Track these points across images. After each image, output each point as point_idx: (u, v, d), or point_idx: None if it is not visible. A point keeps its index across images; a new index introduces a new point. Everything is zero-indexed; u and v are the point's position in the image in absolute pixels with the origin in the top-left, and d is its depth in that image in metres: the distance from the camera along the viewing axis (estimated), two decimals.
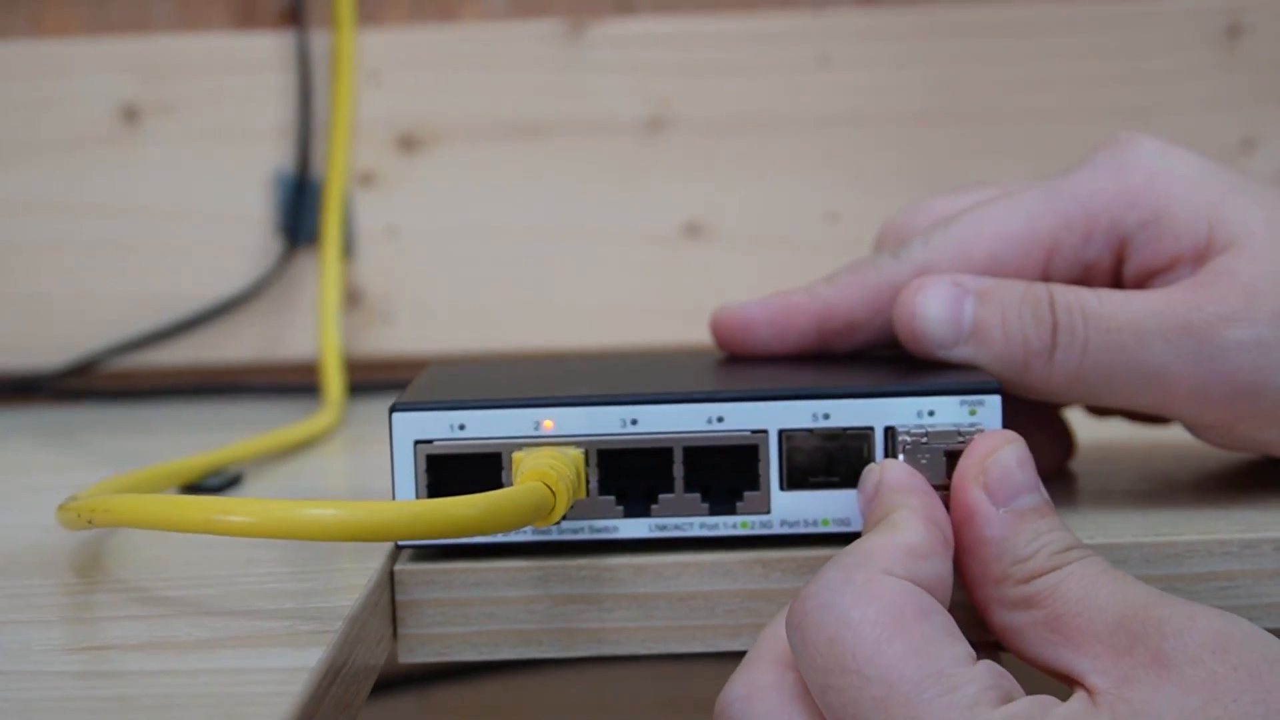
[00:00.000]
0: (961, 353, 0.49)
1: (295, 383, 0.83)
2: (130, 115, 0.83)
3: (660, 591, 0.47)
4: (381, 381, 0.81)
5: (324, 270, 0.82)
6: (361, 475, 0.65)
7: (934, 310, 0.49)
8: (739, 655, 0.44)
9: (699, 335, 0.82)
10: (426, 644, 0.47)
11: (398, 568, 0.47)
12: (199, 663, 0.39)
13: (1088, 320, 0.48)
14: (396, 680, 0.86)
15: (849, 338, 0.53)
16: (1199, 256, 0.49)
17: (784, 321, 0.52)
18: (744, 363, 0.56)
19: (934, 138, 0.83)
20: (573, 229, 0.84)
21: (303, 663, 0.38)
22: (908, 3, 0.83)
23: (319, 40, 0.83)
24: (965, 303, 0.49)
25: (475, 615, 0.47)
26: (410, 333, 0.84)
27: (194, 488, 0.58)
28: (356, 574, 0.45)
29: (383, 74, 0.83)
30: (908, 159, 0.83)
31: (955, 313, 0.49)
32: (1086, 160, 0.52)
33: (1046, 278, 0.50)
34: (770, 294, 0.53)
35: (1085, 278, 0.50)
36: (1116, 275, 0.51)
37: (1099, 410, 0.55)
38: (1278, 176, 0.83)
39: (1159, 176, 0.50)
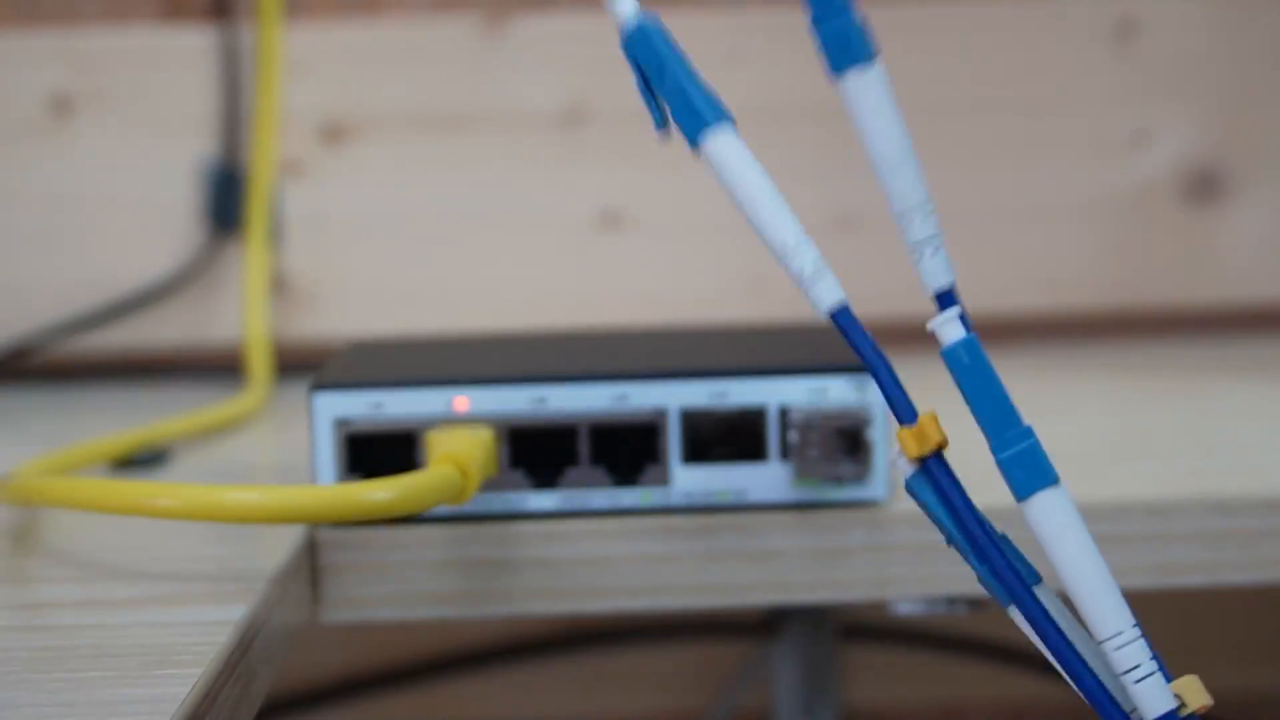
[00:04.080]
0: None
1: (222, 366, 0.85)
2: (61, 106, 0.85)
3: (566, 555, 0.50)
4: (306, 365, 0.83)
5: (250, 257, 0.84)
6: (285, 453, 0.67)
7: None
8: (641, 615, 0.47)
9: (615, 320, 0.85)
10: (346, 605, 0.50)
11: (318, 534, 0.50)
12: (130, 617, 0.42)
13: None
14: (331, 691, 0.89)
15: None
16: None
17: None
18: (646, 340, 0.59)
19: (840, 130, 0.85)
20: (493, 218, 0.86)
21: (228, 617, 0.41)
22: None
23: (246, 33, 0.86)
24: None
25: (392, 578, 0.50)
26: (334, 318, 0.86)
27: (123, 463, 0.60)
28: (279, 539, 0.48)
29: (308, 66, 0.86)
30: (814, 152, 0.86)
31: None
32: None
33: None
34: None
35: None
36: None
37: None
38: (1167, 170, 0.86)
39: None
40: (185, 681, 0.36)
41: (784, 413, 0.50)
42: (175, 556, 0.47)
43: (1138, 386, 0.74)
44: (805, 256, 0.31)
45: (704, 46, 0.85)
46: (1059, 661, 0.32)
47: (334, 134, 0.86)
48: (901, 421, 0.32)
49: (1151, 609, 0.90)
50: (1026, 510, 0.32)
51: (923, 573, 0.51)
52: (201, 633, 0.40)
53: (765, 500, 0.51)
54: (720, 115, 0.32)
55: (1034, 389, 0.74)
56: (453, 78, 0.86)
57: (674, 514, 0.51)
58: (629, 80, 0.85)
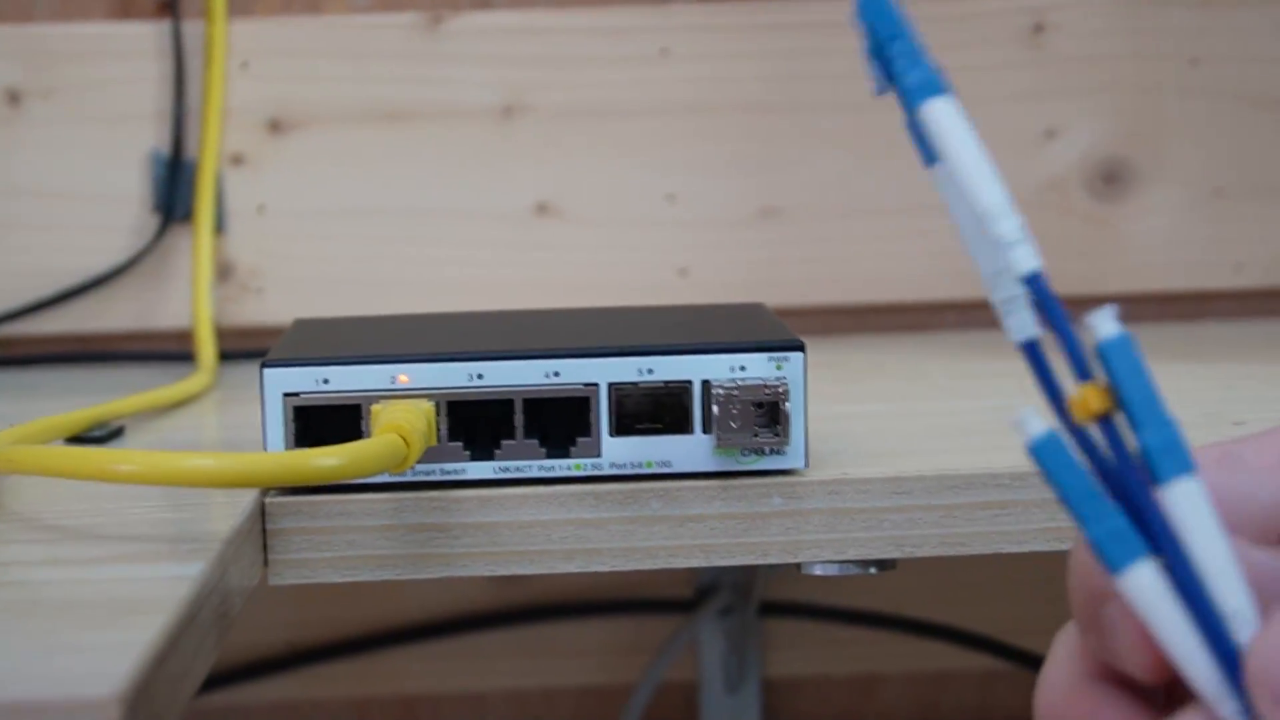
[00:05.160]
0: None
1: (170, 350, 0.87)
2: (14, 99, 0.87)
3: (503, 520, 0.53)
4: (251, 349, 0.86)
5: (197, 245, 0.87)
6: (231, 430, 0.70)
7: None
8: (573, 577, 0.50)
9: (546, 305, 0.88)
10: (294, 568, 0.53)
11: (268, 500, 0.52)
12: (96, 573, 0.45)
13: None
14: (276, 661, 0.92)
15: None
16: None
17: None
18: (578, 320, 0.62)
19: (764, 125, 0.89)
20: (430, 208, 0.89)
21: (186, 573, 0.44)
22: (743, 0, 0.90)
23: (193, 30, 0.88)
24: None
25: (338, 542, 0.53)
26: (277, 304, 0.88)
27: (79, 439, 0.63)
28: (231, 506, 0.51)
29: (253, 62, 0.88)
30: (741, 145, 0.89)
31: None
32: None
33: None
34: None
35: None
36: None
37: None
38: (1076, 164, 0.90)
39: None
40: (151, 628, 0.39)
41: (707, 387, 0.53)
42: (135, 520, 0.50)
43: None
44: (1010, 222, 0.34)
45: (635, 43, 0.89)
46: (1198, 616, 0.32)
47: (277, 127, 0.88)
48: (1080, 379, 0.34)
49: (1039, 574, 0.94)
50: (1164, 493, 0.33)
51: (836, 537, 0.54)
52: (164, 586, 0.43)
53: (689, 469, 0.54)
54: (943, 84, 0.35)
55: (950, 371, 0.78)
56: (393, 73, 0.89)
57: (603, 482, 0.54)
58: (564, 76, 0.89)
